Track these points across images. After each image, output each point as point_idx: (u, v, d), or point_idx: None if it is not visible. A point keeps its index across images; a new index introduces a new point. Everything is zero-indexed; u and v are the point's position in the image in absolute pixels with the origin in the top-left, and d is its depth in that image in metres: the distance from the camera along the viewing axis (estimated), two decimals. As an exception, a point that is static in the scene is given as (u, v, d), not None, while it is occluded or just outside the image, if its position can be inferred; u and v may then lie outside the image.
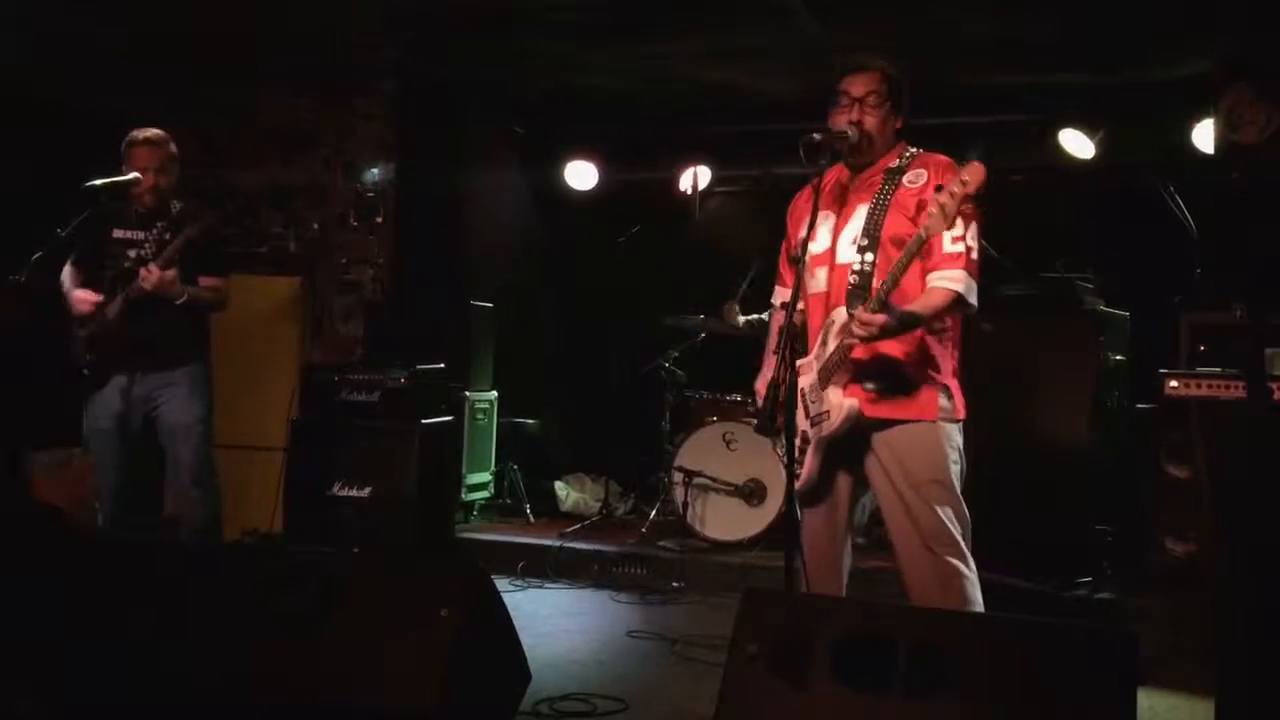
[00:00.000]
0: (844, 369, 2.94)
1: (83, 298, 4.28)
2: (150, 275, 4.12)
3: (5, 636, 1.70)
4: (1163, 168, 5.79)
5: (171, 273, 4.16)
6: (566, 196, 7.67)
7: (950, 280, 2.86)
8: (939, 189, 2.73)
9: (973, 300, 2.90)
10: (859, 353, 2.91)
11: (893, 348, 2.93)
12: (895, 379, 2.95)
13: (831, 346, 2.95)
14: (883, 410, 2.95)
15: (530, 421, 7.15)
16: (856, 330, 2.78)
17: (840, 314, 2.95)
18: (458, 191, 7.13)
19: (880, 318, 2.75)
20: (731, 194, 7.68)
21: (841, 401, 2.93)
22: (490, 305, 6.67)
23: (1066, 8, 5.22)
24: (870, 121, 3.01)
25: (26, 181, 5.38)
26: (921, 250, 2.87)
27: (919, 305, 2.85)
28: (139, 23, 5.80)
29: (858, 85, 3.03)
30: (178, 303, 4.22)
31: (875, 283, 2.91)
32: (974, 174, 2.66)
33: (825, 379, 2.97)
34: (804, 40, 5.67)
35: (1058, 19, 5.38)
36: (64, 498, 1.84)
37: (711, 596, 5.26)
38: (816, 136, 2.97)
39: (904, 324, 2.82)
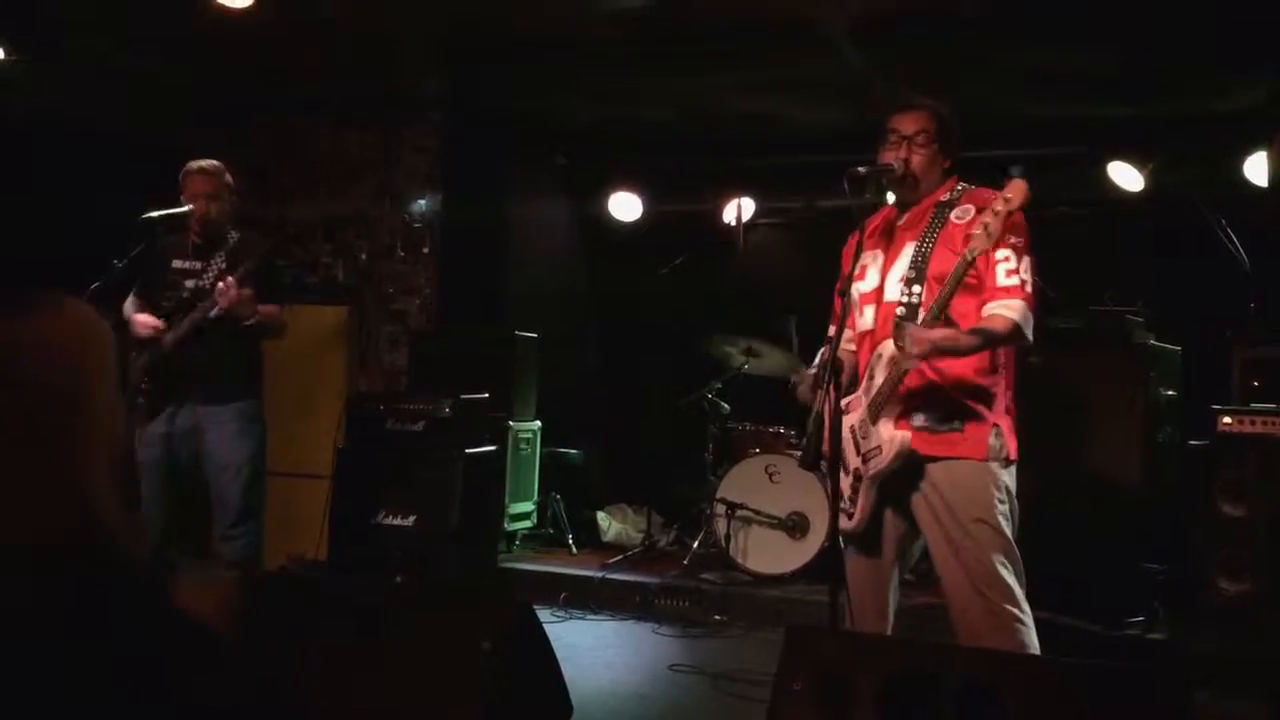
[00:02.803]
0: (894, 401, 2.90)
1: (145, 321, 4.29)
2: (228, 290, 4.07)
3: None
4: (1214, 200, 5.71)
5: (249, 290, 4.14)
6: (610, 227, 7.71)
7: (1008, 309, 2.81)
8: (981, 210, 2.74)
9: (1029, 333, 2.85)
10: (911, 380, 2.86)
11: (944, 380, 2.89)
12: (945, 414, 2.90)
13: (880, 379, 2.92)
14: (932, 447, 2.90)
15: (573, 452, 7.16)
16: (910, 346, 2.71)
17: (887, 346, 2.92)
18: (503, 222, 7.19)
19: (935, 331, 2.71)
20: (775, 225, 7.69)
21: (892, 435, 2.88)
22: (534, 335, 6.70)
23: (1117, 41, 5.19)
24: (917, 160, 3.00)
25: (86, 213, 5.49)
26: (967, 274, 2.84)
27: (977, 328, 2.79)
28: (199, 58, 5.93)
29: (908, 123, 3.02)
30: (247, 323, 4.20)
31: (922, 314, 2.88)
32: (1016, 191, 2.65)
33: (875, 413, 2.93)
34: (848, 73, 5.68)
35: (1108, 52, 5.35)
36: (210, 616, 1.84)
37: (754, 630, 5.23)
38: (861, 170, 2.96)
39: (960, 342, 2.77)
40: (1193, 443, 4.87)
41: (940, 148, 3.02)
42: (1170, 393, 5.17)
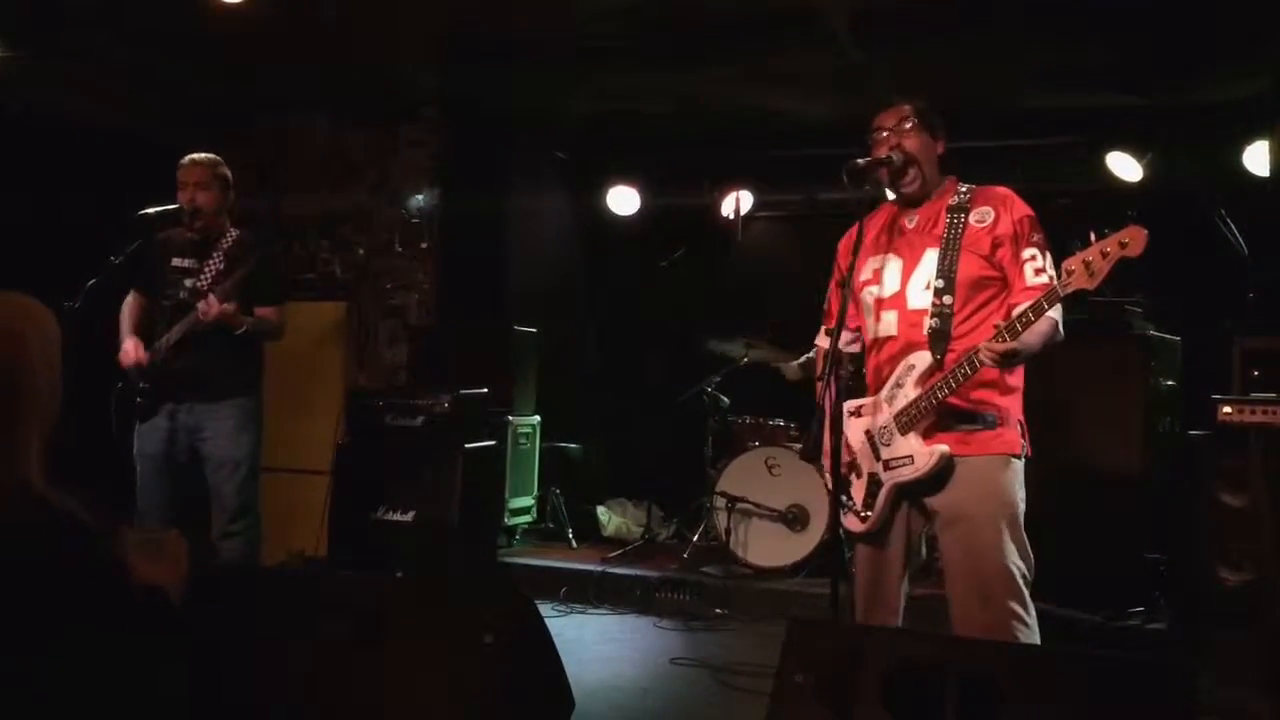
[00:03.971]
0: (929, 415, 2.88)
1: (127, 351, 4.26)
2: (210, 308, 4.07)
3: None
4: (1214, 190, 5.71)
5: (232, 305, 4.12)
6: (609, 221, 7.71)
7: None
8: (1086, 243, 2.61)
9: (1061, 330, 2.85)
10: (955, 400, 2.85)
11: (983, 392, 2.88)
12: (977, 414, 2.90)
13: (914, 393, 2.90)
14: (965, 447, 2.88)
15: (572, 446, 7.16)
16: (989, 358, 2.70)
17: (922, 359, 2.90)
18: (501, 217, 7.18)
19: (1015, 346, 2.69)
20: (774, 219, 7.68)
21: (931, 449, 2.86)
22: (533, 330, 6.70)
23: (1116, 32, 5.18)
24: (910, 143, 3.00)
25: (85, 210, 5.48)
26: (988, 271, 2.90)
27: (1032, 336, 2.75)
28: (199, 57, 5.92)
29: (889, 118, 3.05)
30: (237, 333, 4.19)
31: (956, 324, 2.88)
32: (1136, 238, 2.54)
33: (906, 426, 2.91)
34: (847, 66, 5.67)
35: (1107, 43, 5.34)
36: (160, 577, 1.87)
37: (755, 623, 5.23)
38: (860, 162, 2.96)
39: (1027, 355, 2.77)
40: (1193, 433, 4.87)
41: (928, 132, 3.03)
42: (1170, 383, 5.17)
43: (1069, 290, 2.63)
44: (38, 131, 5.78)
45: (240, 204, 4.57)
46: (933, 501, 2.93)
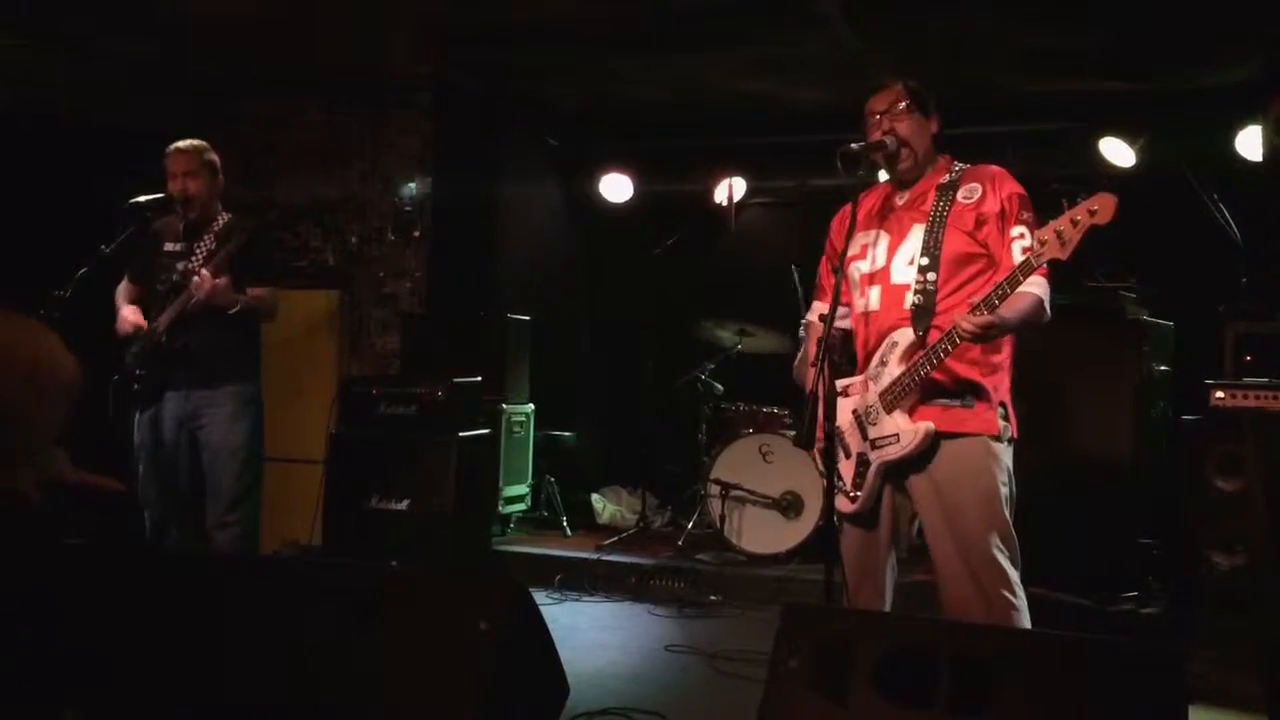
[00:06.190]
0: (914, 392, 2.88)
1: (125, 317, 4.24)
2: (203, 282, 4.03)
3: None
4: (1206, 175, 5.70)
5: (224, 280, 4.08)
6: (602, 208, 7.69)
7: (1034, 285, 2.78)
8: (1060, 212, 2.60)
9: (1048, 309, 2.84)
10: (938, 376, 2.84)
11: (964, 368, 2.88)
12: (956, 391, 2.89)
13: (898, 370, 2.89)
14: (942, 424, 2.88)
15: (567, 434, 7.15)
16: (965, 330, 2.67)
17: (904, 335, 2.90)
18: (494, 204, 7.16)
19: (992, 319, 2.67)
20: (767, 205, 7.67)
21: (916, 426, 2.86)
22: (527, 318, 6.68)
23: (1108, 16, 5.17)
24: (902, 127, 3.00)
25: (71, 199, 5.45)
26: (974, 250, 2.89)
27: (1011, 311, 2.75)
28: (187, 41, 5.88)
29: (880, 101, 3.05)
30: (231, 311, 4.16)
31: (940, 300, 2.87)
32: (1105, 205, 2.54)
33: (891, 403, 2.90)
34: (840, 52, 5.66)
35: (1099, 27, 5.33)
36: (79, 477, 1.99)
37: (749, 610, 5.24)
38: (854, 146, 2.95)
39: (1006, 329, 2.76)
40: (1186, 418, 4.88)
41: (920, 112, 3.03)
42: (1163, 368, 5.18)
43: (1042, 260, 2.63)
44: (28, 119, 5.74)
45: (229, 190, 4.55)
46: (913, 482, 2.93)
